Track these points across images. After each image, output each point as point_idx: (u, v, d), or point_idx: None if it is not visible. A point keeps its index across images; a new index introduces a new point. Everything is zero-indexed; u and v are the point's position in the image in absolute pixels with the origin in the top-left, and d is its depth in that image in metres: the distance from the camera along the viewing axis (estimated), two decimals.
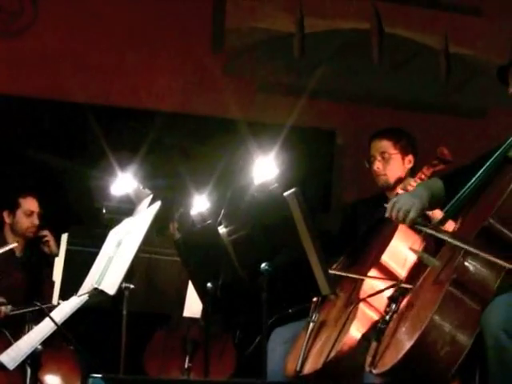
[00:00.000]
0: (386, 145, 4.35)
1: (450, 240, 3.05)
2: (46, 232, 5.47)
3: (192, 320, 4.95)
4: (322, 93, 6.83)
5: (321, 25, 6.84)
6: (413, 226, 3.21)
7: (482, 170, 3.15)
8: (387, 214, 3.19)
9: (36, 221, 5.47)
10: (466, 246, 2.92)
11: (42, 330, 3.86)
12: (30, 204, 5.49)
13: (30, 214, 5.46)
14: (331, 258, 4.11)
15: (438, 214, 3.60)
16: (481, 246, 2.92)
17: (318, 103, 6.82)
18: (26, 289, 5.43)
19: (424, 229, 3.12)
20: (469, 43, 7.17)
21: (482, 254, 2.88)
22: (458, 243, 2.97)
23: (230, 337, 5.50)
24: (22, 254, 5.53)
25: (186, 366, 5.29)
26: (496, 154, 3.17)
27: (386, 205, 3.25)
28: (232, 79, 6.68)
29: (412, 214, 3.10)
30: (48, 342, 3.89)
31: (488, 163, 3.16)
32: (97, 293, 3.79)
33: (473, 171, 3.19)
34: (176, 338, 5.53)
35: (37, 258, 5.50)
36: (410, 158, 4.37)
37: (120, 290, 3.75)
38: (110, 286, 3.73)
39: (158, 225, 4.19)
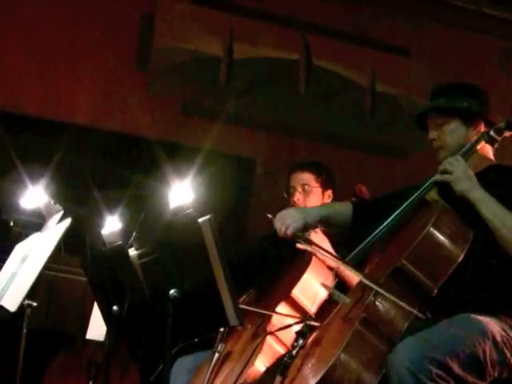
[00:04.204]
0: (307, 177, 4.40)
1: (362, 279, 3.09)
2: None
3: (98, 343, 4.88)
4: (246, 120, 6.85)
5: (249, 51, 6.88)
6: (297, 241, 3.39)
7: (397, 211, 3.23)
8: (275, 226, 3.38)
9: None
10: (375, 287, 2.96)
11: None
12: None
13: None
14: (242, 288, 4.12)
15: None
16: (392, 286, 2.97)
17: (241, 130, 6.83)
18: None
19: (306, 244, 3.32)
20: (395, 83, 7.29)
21: (389, 296, 2.93)
22: (369, 283, 3.01)
23: (135, 362, 5.43)
24: None
25: None
26: (413, 197, 3.25)
27: (268, 215, 3.40)
28: (154, 98, 6.64)
29: (290, 230, 3.30)
30: None
31: (404, 206, 3.24)
32: None
33: (391, 202, 3.27)
34: (79, 361, 5.44)
35: None
36: (329, 192, 4.44)
37: (21, 307, 3.68)
38: (11, 303, 3.65)
39: (67, 242, 4.13)
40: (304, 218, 3.35)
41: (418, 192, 3.26)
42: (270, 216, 3.44)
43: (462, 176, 3.17)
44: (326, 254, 3.31)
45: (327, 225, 3.56)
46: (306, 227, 3.38)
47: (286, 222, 3.32)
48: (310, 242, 3.34)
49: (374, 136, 7.21)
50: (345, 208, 3.58)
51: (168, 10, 6.75)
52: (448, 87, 3.46)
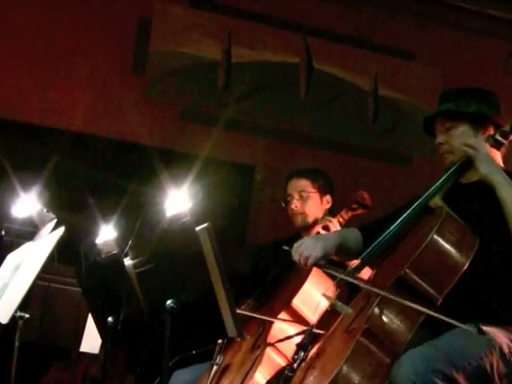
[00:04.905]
0: (304, 184, 4.42)
1: (364, 286, 3.08)
2: None
3: (92, 355, 4.87)
4: (245, 126, 6.84)
5: (248, 55, 6.88)
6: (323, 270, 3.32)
7: (402, 217, 3.22)
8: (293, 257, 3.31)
9: None
10: (381, 292, 2.95)
11: None
12: None
13: None
14: (241, 298, 4.11)
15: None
16: (395, 296, 2.95)
17: (240, 136, 6.82)
18: None
19: (330, 271, 3.25)
20: (399, 87, 7.28)
21: (398, 300, 2.90)
22: (374, 289, 3.00)
23: (131, 375, 5.41)
24: None
25: None
26: (417, 203, 3.24)
27: (285, 247, 3.35)
28: (151, 104, 6.63)
29: (311, 260, 3.24)
30: None
31: (409, 211, 3.22)
32: None
33: (394, 222, 3.26)
34: (74, 375, 5.43)
35: None
36: (327, 198, 4.45)
37: (14, 318, 3.66)
38: (3, 314, 3.64)
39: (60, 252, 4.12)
40: (323, 249, 3.28)
41: (422, 198, 3.25)
42: (286, 248, 3.40)
43: (486, 157, 3.19)
44: (361, 283, 3.17)
45: (341, 252, 3.45)
46: (326, 257, 3.32)
47: (304, 253, 3.26)
48: (335, 271, 3.24)
49: (377, 141, 7.20)
50: (353, 233, 3.54)
51: (165, 13, 6.74)
52: (457, 91, 3.45)
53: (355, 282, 3.13)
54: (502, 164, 3.37)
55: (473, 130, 3.34)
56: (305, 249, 3.27)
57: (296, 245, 3.32)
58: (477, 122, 3.34)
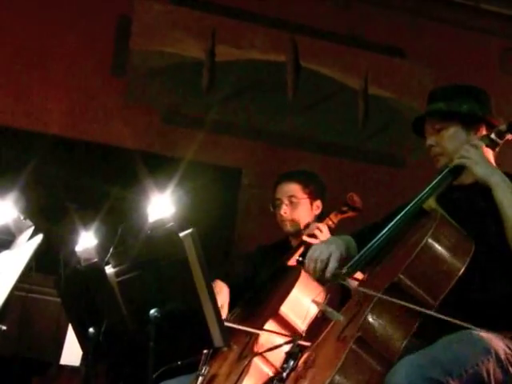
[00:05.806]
0: (294, 188, 4.39)
1: (360, 289, 3.08)
2: None
3: (74, 368, 4.86)
4: (230, 128, 6.84)
5: (233, 54, 6.88)
6: (334, 281, 3.18)
7: (395, 221, 3.22)
8: (305, 269, 3.20)
9: None
10: (377, 294, 2.94)
11: None
12: None
13: None
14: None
15: None
16: (389, 303, 2.95)
17: (225, 139, 6.82)
18: None
19: (345, 283, 3.14)
20: (390, 86, 7.29)
21: (394, 300, 2.90)
22: (369, 291, 2.99)
23: None
24: None
25: None
26: (410, 206, 3.24)
27: (299, 258, 3.28)
28: (133, 106, 6.62)
29: (332, 264, 3.13)
30: None
31: (401, 215, 3.22)
32: None
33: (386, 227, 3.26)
34: None
35: None
36: (318, 203, 4.43)
37: None
38: None
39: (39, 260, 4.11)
40: (338, 251, 3.18)
41: (415, 201, 3.25)
42: (300, 258, 3.30)
43: (480, 160, 3.18)
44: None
45: (347, 257, 3.30)
46: (342, 260, 3.20)
47: (320, 258, 3.15)
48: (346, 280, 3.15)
49: (368, 143, 7.20)
50: (351, 241, 3.50)
51: (145, 10, 6.74)
52: (447, 90, 3.45)
53: (361, 289, 3.12)
54: (494, 164, 3.37)
55: (464, 130, 3.34)
56: (320, 255, 3.17)
57: (308, 254, 3.21)
58: (469, 122, 3.35)
